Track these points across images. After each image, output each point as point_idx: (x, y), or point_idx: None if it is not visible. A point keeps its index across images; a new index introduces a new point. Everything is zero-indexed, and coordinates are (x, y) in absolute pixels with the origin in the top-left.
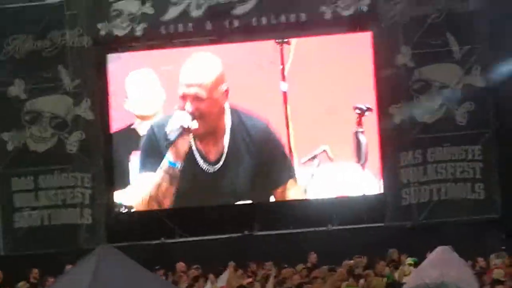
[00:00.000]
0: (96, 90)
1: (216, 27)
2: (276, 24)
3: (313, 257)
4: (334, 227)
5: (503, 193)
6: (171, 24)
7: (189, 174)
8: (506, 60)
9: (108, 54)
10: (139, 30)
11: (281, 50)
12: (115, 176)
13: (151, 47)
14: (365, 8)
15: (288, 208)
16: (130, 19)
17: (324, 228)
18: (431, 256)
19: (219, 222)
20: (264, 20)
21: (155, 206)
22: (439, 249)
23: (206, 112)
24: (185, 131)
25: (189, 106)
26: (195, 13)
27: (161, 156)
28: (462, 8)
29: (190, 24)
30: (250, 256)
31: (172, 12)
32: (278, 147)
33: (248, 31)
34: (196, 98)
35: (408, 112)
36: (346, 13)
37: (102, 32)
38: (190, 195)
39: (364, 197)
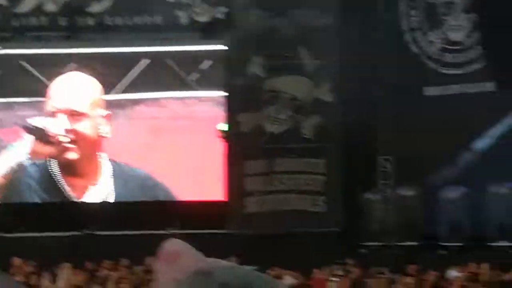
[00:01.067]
0: None
1: (70, 24)
2: (131, 25)
3: (150, 260)
4: (175, 231)
5: (345, 207)
6: (25, 17)
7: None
8: (354, 76)
9: None
10: None
11: None
12: None
13: (2, 39)
14: (220, 16)
15: (129, 209)
16: None
17: (163, 232)
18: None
19: (58, 219)
20: (119, 20)
21: None
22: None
23: (83, 135)
24: (48, 135)
25: (65, 122)
26: (50, 7)
27: None
28: (315, 23)
29: (44, 19)
30: (89, 255)
31: (26, 5)
32: None
33: (102, 30)
34: (72, 114)
35: (256, 121)
36: (201, 19)
37: None
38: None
39: (208, 203)
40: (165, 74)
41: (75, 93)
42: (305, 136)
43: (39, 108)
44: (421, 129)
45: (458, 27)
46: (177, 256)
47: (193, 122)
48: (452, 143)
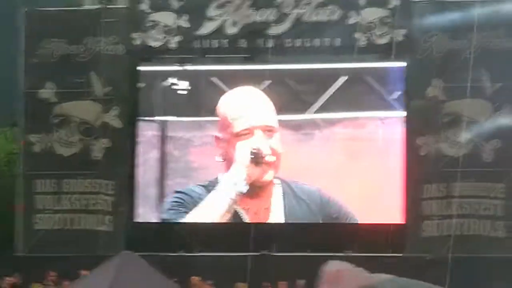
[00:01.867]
0: (126, 98)
1: (250, 45)
2: (310, 47)
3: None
4: (352, 254)
5: None
6: (206, 39)
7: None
8: None
9: (140, 63)
10: (173, 42)
11: None
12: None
13: (183, 60)
14: (400, 38)
15: (307, 231)
16: (165, 31)
17: (342, 254)
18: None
19: (237, 240)
20: (298, 42)
21: None
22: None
23: (276, 152)
24: (259, 157)
25: (262, 138)
26: (230, 30)
27: None
28: (497, 45)
29: (224, 41)
30: (266, 276)
31: (208, 27)
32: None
33: (282, 52)
34: (267, 130)
35: (435, 144)
36: (381, 41)
37: (137, 42)
38: None
39: (386, 226)
40: (364, 92)
41: (264, 107)
42: (484, 160)
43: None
44: None
45: None
46: (339, 276)
47: (383, 143)
48: None
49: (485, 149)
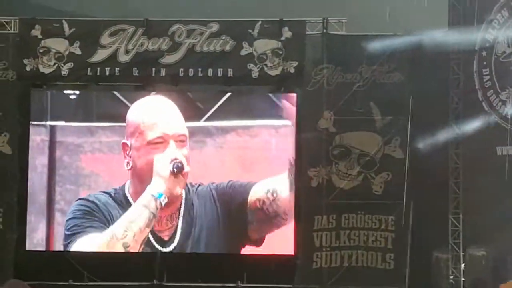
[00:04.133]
0: (16, 125)
1: (142, 74)
2: (203, 76)
3: None
4: (243, 285)
5: (411, 264)
6: (98, 67)
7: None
8: (425, 134)
9: (32, 90)
10: (65, 69)
11: None
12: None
13: (76, 87)
14: (292, 70)
15: (200, 261)
16: (56, 57)
17: (233, 285)
18: None
19: (129, 269)
20: (191, 72)
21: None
22: None
23: (188, 163)
24: (180, 169)
25: (175, 149)
26: (123, 58)
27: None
28: (386, 79)
29: (117, 69)
30: None
31: (100, 55)
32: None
33: (174, 81)
34: (180, 141)
35: (325, 176)
36: (272, 73)
37: (28, 68)
38: None
39: (276, 257)
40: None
41: (176, 117)
42: (374, 193)
43: (121, 133)
44: (493, 188)
45: None
46: None
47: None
48: None
49: (375, 182)
